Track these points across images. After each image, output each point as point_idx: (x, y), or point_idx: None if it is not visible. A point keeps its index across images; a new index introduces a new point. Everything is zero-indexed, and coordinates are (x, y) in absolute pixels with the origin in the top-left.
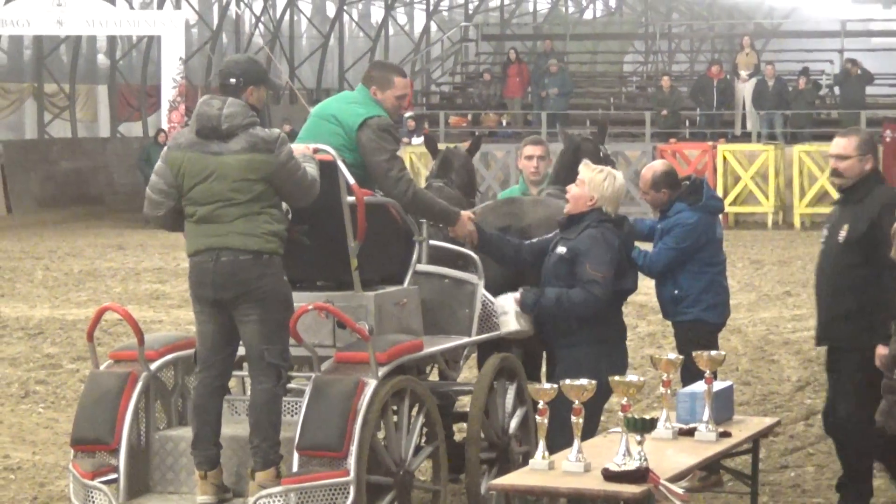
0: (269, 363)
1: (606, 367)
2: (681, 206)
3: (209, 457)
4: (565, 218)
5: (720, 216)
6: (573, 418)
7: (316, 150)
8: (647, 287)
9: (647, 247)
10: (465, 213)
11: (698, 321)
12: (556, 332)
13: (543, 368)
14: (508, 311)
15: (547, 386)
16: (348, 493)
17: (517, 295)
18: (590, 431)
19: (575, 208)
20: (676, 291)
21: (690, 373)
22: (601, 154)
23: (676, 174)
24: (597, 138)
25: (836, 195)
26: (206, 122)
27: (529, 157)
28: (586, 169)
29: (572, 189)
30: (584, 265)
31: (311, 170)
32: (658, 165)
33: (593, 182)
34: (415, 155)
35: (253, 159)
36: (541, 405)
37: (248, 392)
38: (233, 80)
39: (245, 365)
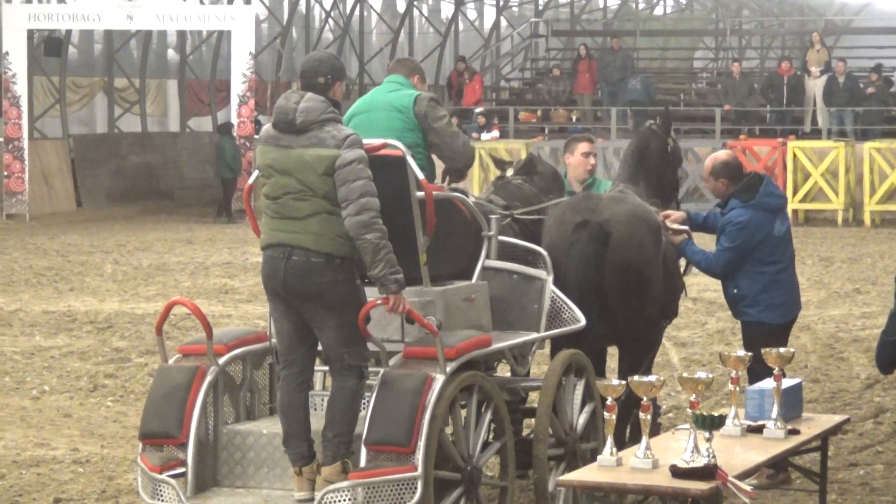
0: (350, 365)
1: None
2: (734, 203)
3: (302, 453)
4: None
5: (784, 212)
6: (641, 415)
7: (384, 146)
8: (716, 284)
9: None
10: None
11: (758, 323)
12: None
13: (610, 364)
14: None
15: (615, 382)
16: (416, 488)
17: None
18: None
19: None
20: (736, 290)
21: (755, 372)
22: (669, 147)
23: (739, 166)
24: (663, 129)
25: None
26: (283, 116)
27: (586, 154)
28: None
29: None
30: None
31: (370, 189)
32: (721, 155)
33: None
34: (484, 150)
35: (318, 155)
36: (609, 401)
37: (328, 387)
38: (321, 80)
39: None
